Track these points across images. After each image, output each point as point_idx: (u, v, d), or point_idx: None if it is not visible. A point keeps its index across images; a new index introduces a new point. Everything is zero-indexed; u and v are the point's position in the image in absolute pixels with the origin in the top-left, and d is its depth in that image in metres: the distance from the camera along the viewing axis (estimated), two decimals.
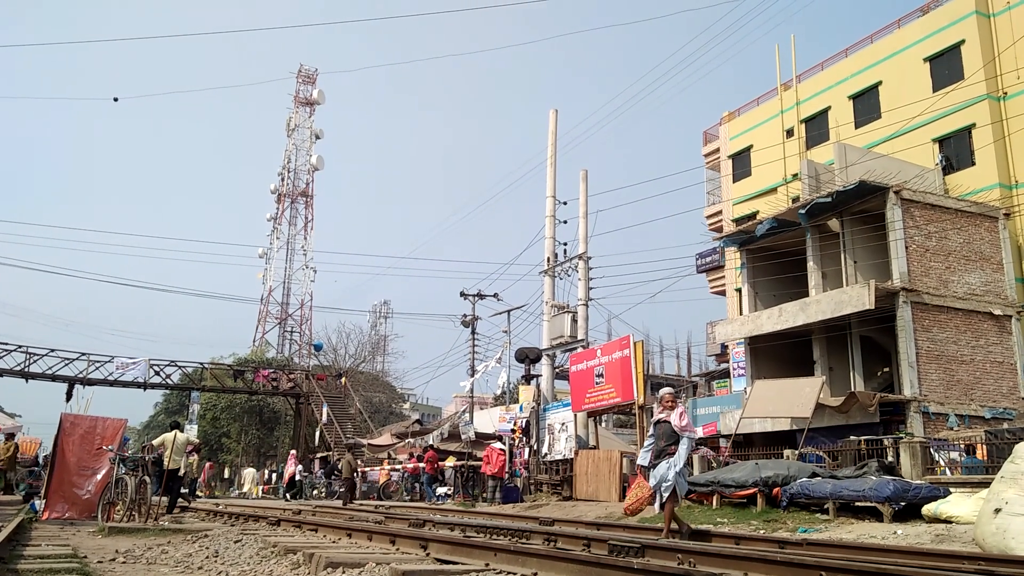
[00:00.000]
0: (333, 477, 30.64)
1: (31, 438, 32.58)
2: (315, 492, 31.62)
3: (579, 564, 5.53)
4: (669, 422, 9.49)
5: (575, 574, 5.45)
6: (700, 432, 26.04)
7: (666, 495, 9.20)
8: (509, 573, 5.71)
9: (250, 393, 43.96)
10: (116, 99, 76.52)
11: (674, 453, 9.27)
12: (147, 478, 12.30)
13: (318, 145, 67.80)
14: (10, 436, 20.44)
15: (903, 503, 11.27)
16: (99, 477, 13.25)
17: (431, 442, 29.51)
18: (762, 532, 10.66)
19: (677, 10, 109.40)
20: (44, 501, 13.16)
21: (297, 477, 30.49)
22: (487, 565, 6.08)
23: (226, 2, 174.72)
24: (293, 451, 34.21)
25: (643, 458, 9.75)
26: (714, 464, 18.69)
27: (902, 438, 16.39)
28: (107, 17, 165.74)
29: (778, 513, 12.60)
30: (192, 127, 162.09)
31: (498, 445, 24.02)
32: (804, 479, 12.94)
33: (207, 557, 7.23)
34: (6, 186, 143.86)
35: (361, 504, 21.95)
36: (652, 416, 10.31)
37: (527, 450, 23.84)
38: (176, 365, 39.11)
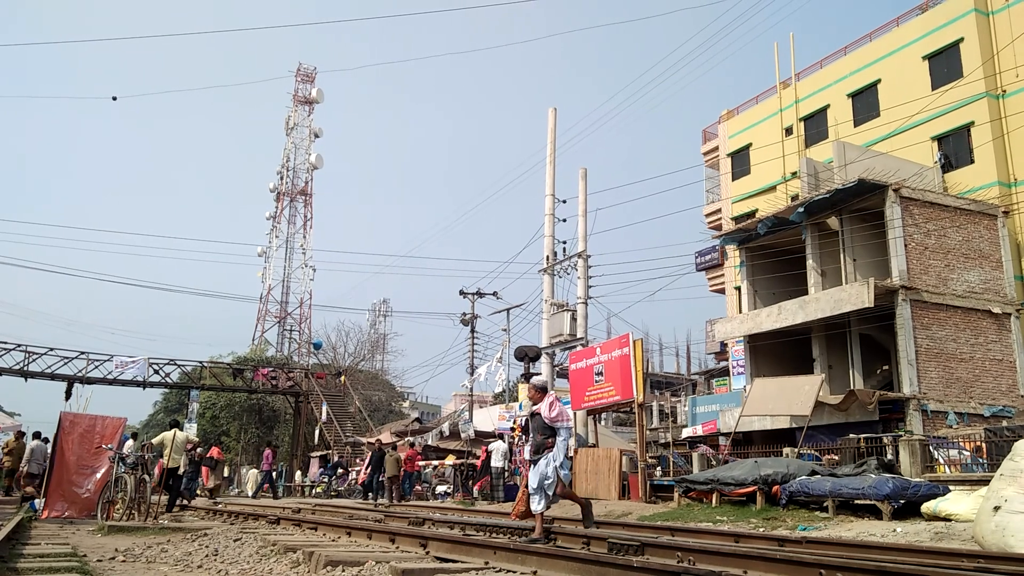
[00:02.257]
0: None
1: None
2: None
3: (579, 562, 5.53)
4: (540, 414, 8.87)
5: (575, 572, 5.44)
6: (700, 430, 26.12)
7: (551, 492, 8.60)
8: (509, 571, 5.70)
9: (249, 392, 43.96)
10: (115, 98, 76.65)
11: (552, 447, 8.69)
12: (146, 476, 12.31)
13: (317, 144, 67.73)
14: (20, 435, 20.32)
15: (902, 501, 11.28)
16: (98, 476, 13.28)
17: (419, 441, 29.38)
18: (761, 530, 10.66)
19: (676, 8, 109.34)
20: (43, 500, 13.17)
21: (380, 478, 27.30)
22: (487, 563, 6.08)
23: (226, 2, 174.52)
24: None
25: (528, 452, 9.29)
26: (713, 462, 18.73)
27: (901, 436, 16.40)
28: (104, 16, 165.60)
29: (777, 511, 12.62)
30: (190, 126, 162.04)
31: (497, 444, 23.98)
32: (803, 477, 12.96)
33: (207, 556, 7.23)
34: (3, 185, 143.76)
35: (360, 502, 21.93)
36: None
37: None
38: (175, 364, 39.15)
